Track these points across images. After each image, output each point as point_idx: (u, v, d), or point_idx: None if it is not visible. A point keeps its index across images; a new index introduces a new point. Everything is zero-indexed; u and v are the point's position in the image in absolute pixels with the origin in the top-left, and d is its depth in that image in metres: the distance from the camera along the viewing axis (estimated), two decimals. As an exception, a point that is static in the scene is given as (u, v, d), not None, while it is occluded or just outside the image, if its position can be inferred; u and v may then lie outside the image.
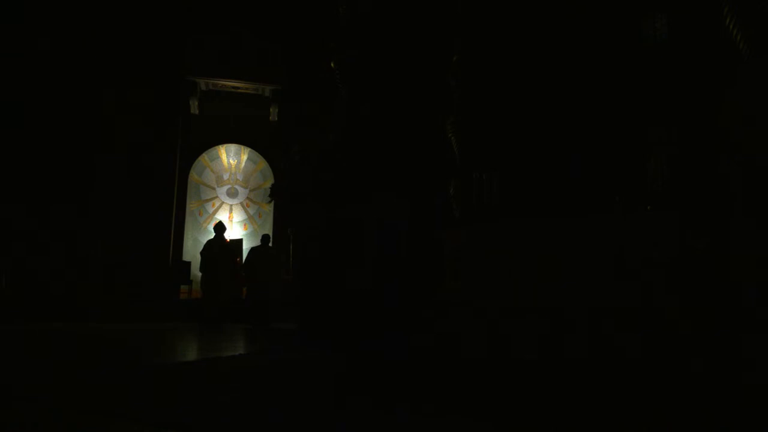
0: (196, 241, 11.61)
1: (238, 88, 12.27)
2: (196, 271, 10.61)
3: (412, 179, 6.22)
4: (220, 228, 9.48)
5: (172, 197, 11.55)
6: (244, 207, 12.71)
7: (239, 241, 11.19)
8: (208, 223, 11.66)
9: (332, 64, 7.11)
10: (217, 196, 12.58)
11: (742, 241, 3.22)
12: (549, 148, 5.30)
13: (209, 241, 9.41)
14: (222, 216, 12.24)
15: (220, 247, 9.30)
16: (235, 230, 12.36)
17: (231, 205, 12.64)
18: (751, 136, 3.24)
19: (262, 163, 12.74)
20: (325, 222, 6.35)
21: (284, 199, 7.98)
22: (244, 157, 12.80)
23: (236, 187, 12.71)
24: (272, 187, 8.83)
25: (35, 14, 10.57)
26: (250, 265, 9.25)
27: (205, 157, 12.50)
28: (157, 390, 3.03)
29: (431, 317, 4.95)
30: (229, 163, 12.74)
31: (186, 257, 11.66)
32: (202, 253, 9.27)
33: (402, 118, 6.44)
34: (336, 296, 6.04)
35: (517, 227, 4.61)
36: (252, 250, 9.59)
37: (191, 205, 12.18)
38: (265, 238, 9.86)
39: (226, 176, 12.69)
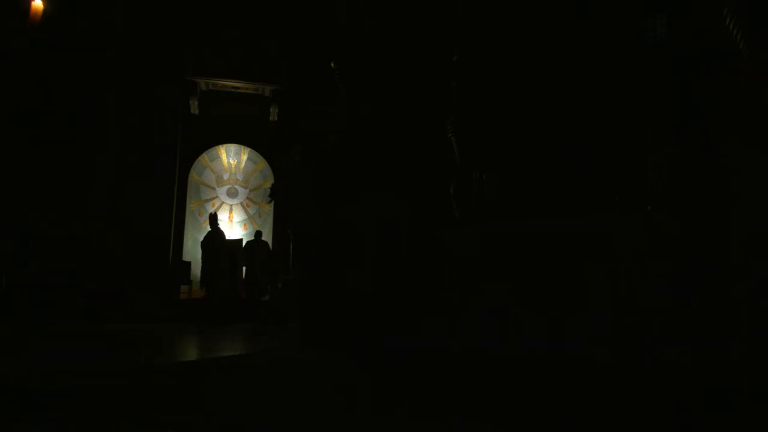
0: (196, 241, 11.60)
1: (238, 88, 12.27)
2: (196, 271, 10.69)
3: (412, 179, 6.21)
4: (214, 219, 10.01)
5: (172, 197, 11.55)
6: (244, 207, 12.71)
7: (239, 241, 11.21)
8: (208, 223, 11.68)
9: (332, 64, 7.10)
10: (217, 196, 12.58)
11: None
12: (549, 147, 5.29)
13: (210, 234, 9.83)
14: (222, 216, 12.26)
15: (221, 243, 9.67)
16: (235, 230, 12.36)
17: (231, 205, 12.64)
18: (743, 135, 3.24)
19: (262, 163, 12.73)
20: (324, 222, 6.34)
21: (284, 199, 7.98)
22: (244, 157, 12.80)
23: (236, 187, 12.71)
24: (272, 187, 8.85)
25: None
26: (248, 255, 9.97)
27: (205, 157, 12.49)
28: (157, 390, 3.03)
29: (431, 318, 4.95)
30: (229, 163, 12.74)
31: (186, 257, 11.66)
32: (202, 244, 9.74)
33: (402, 118, 6.43)
34: (336, 296, 6.03)
35: (517, 227, 4.61)
36: (248, 243, 10.56)
37: (191, 205, 12.18)
38: (258, 234, 10.80)
39: (226, 176, 12.69)
